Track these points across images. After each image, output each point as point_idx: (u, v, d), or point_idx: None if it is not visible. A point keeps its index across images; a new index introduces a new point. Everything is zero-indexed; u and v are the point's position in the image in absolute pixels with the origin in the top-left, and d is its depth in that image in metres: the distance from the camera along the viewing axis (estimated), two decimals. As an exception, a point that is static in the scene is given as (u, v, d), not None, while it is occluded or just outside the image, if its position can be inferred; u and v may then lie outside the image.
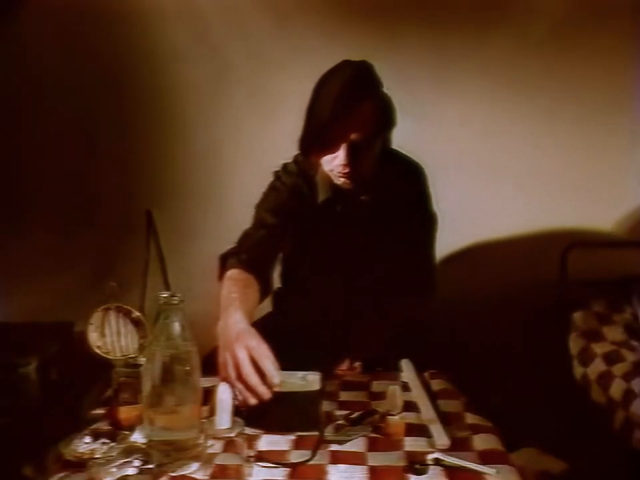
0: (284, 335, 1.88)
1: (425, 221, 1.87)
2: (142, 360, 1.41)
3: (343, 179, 1.74)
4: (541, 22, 2.43)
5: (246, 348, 1.42)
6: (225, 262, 1.75)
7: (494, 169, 2.53)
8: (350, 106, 1.61)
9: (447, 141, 2.47)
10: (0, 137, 2.55)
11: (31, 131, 2.57)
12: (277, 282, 2.05)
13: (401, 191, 1.82)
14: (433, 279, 1.92)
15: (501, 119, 2.52)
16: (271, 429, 1.39)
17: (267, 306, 2.20)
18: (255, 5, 2.47)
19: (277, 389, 1.40)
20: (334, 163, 1.69)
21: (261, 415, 1.40)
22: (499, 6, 2.44)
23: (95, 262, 2.53)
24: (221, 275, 1.73)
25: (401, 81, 2.46)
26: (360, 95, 1.63)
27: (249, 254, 1.74)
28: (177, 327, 1.29)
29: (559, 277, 2.50)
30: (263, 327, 2.00)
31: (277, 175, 1.91)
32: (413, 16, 2.41)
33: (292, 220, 1.84)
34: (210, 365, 1.67)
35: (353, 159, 1.66)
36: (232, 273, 1.69)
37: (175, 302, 1.29)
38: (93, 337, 1.52)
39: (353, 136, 1.64)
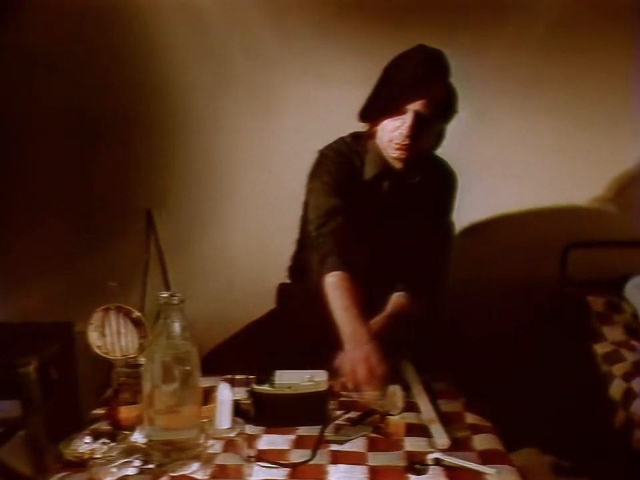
0: (289, 334, 1.90)
1: (448, 227, 1.94)
2: (142, 360, 1.41)
3: (399, 152, 1.76)
4: (541, 21, 2.43)
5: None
6: (324, 261, 1.75)
7: (493, 167, 2.54)
8: (424, 81, 1.70)
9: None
10: (0, 138, 2.55)
11: (30, 131, 2.57)
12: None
13: (438, 190, 1.88)
14: (439, 282, 1.93)
15: (500, 118, 2.52)
16: (280, 426, 1.41)
17: (269, 303, 2.22)
18: (255, 4, 2.47)
19: (287, 392, 1.42)
20: (396, 132, 1.74)
21: (271, 414, 1.42)
22: (499, 5, 2.44)
23: (95, 262, 2.53)
24: (322, 273, 1.74)
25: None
26: (434, 75, 1.71)
27: (343, 250, 1.76)
28: (176, 326, 1.29)
29: (558, 277, 2.50)
30: (267, 324, 2.02)
31: (325, 154, 1.89)
32: (414, 15, 2.41)
33: (348, 197, 1.83)
34: (210, 365, 1.68)
35: (416, 130, 1.71)
36: (337, 278, 1.71)
37: (175, 302, 1.29)
38: (93, 337, 1.52)
39: (421, 108, 1.70)
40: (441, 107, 1.74)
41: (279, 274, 2.18)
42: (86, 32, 2.47)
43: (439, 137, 1.83)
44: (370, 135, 1.83)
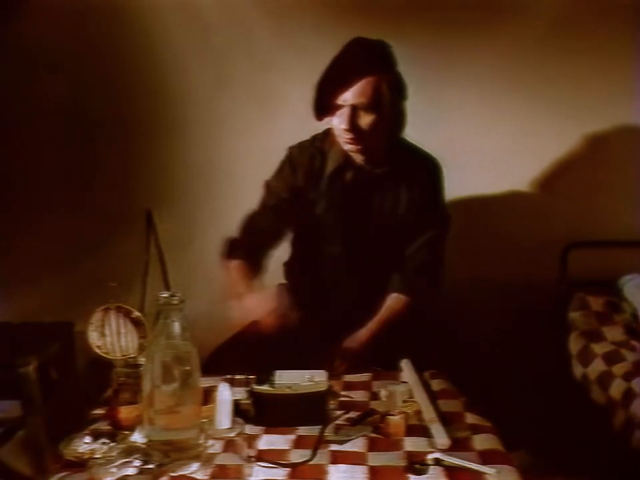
0: (289, 334, 1.90)
1: (440, 220, 1.94)
2: (142, 360, 1.41)
3: (350, 146, 1.80)
4: (540, 20, 2.43)
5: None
6: (231, 249, 1.95)
7: (491, 166, 2.54)
8: (356, 73, 1.72)
9: (444, 136, 2.47)
10: (0, 138, 2.55)
11: (30, 131, 2.57)
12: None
13: (417, 182, 1.89)
14: (438, 278, 1.95)
15: (499, 117, 2.52)
16: (280, 426, 1.41)
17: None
18: (255, 5, 2.47)
19: (287, 392, 1.42)
20: (339, 127, 1.77)
21: (271, 414, 1.42)
22: (499, 5, 2.44)
23: (95, 262, 2.52)
24: (227, 258, 1.95)
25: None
26: (362, 65, 1.74)
27: (251, 243, 1.95)
28: (177, 326, 1.29)
29: (558, 277, 2.50)
30: None
31: (289, 152, 1.97)
32: (414, 16, 2.41)
33: (300, 193, 1.92)
34: (210, 365, 1.68)
35: (354, 124, 1.73)
36: (236, 265, 1.92)
37: (175, 302, 1.29)
38: (93, 337, 1.52)
39: (355, 101, 1.72)
40: (381, 95, 1.74)
41: (279, 274, 2.19)
42: (86, 32, 2.47)
43: (396, 122, 1.84)
44: (331, 132, 1.86)
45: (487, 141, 2.52)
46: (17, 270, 2.58)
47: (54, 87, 2.52)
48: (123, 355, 1.51)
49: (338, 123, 1.77)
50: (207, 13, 2.48)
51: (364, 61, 1.75)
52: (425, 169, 1.92)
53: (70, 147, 2.58)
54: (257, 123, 2.53)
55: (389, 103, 1.77)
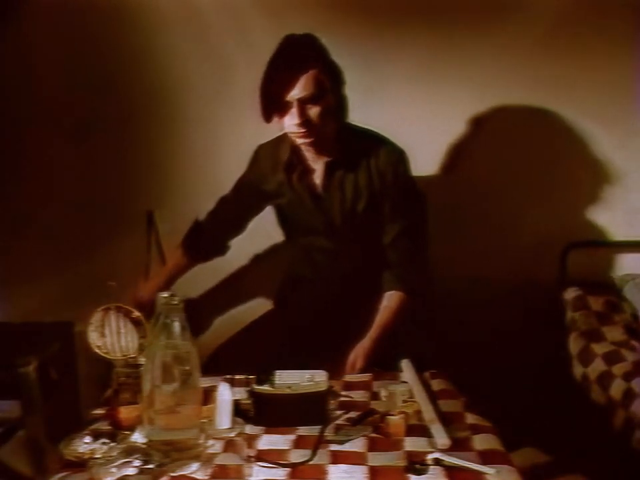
0: (289, 334, 1.91)
1: (413, 204, 1.96)
2: (142, 360, 1.41)
3: (303, 139, 1.84)
4: (540, 19, 2.43)
5: None
6: (188, 233, 2.19)
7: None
8: (294, 67, 1.78)
9: (443, 135, 2.48)
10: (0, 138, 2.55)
11: (30, 131, 2.56)
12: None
13: (376, 168, 1.91)
14: (425, 264, 1.97)
15: (498, 115, 2.52)
16: (280, 426, 1.41)
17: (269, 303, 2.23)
18: (254, 4, 2.47)
19: (287, 392, 1.42)
20: (291, 124, 1.81)
21: (271, 414, 1.42)
22: (498, 4, 2.44)
23: (95, 262, 2.52)
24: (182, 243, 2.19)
25: (401, 80, 2.48)
26: (301, 60, 1.79)
27: (197, 237, 2.17)
28: (176, 326, 1.29)
29: (558, 277, 2.50)
30: (267, 324, 2.03)
31: (256, 149, 2.10)
32: (414, 16, 2.41)
33: (263, 189, 2.04)
34: (210, 365, 1.68)
35: (304, 117, 1.78)
36: (177, 253, 2.21)
37: (175, 302, 1.29)
38: (93, 337, 1.52)
39: (301, 95, 1.77)
40: (322, 84, 1.79)
41: (279, 274, 2.19)
42: (86, 32, 2.47)
43: (339, 109, 1.88)
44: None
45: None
46: (17, 270, 2.58)
47: (54, 87, 2.52)
48: (123, 355, 1.51)
49: (289, 119, 1.81)
50: (207, 12, 2.47)
51: (302, 55, 1.80)
52: (385, 154, 1.93)
53: (70, 147, 2.57)
54: (257, 124, 2.52)
55: (330, 90, 1.82)
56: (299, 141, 1.85)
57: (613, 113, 2.49)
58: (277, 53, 1.82)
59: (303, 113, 1.78)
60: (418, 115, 2.41)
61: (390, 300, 1.90)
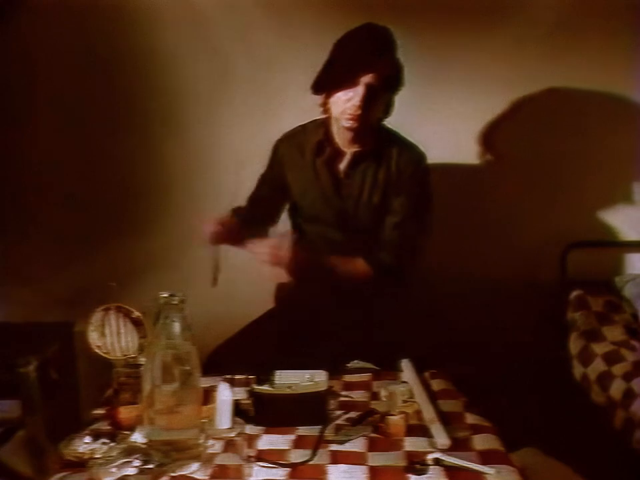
0: (289, 333, 1.91)
1: (423, 202, 2.01)
2: (142, 360, 1.41)
3: (351, 122, 1.87)
4: (540, 19, 2.43)
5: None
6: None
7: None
8: (374, 55, 1.83)
9: (443, 135, 2.48)
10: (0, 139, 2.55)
11: (30, 132, 2.56)
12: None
13: (397, 167, 1.97)
14: (403, 260, 2.00)
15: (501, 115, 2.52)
16: (280, 426, 1.41)
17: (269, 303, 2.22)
18: (255, 4, 2.47)
19: (287, 392, 1.42)
20: (348, 104, 1.85)
21: (271, 414, 1.42)
22: (498, 4, 2.44)
23: (95, 262, 2.52)
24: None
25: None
26: (382, 48, 1.85)
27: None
28: (176, 326, 1.29)
29: (558, 277, 2.50)
30: (267, 324, 2.03)
31: (275, 144, 2.12)
32: (415, 16, 2.41)
33: (280, 182, 2.07)
34: (210, 365, 1.68)
35: (367, 101, 1.83)
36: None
37: (175, 302, 1.29)
38: (93, 337, 1.52)
39: (371, 80, 1.82)
40: (389, 80, 1.87)
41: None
42: (86, 32, 2.47)
43: (387, 107, 1.95)
44: (324, 118, 1.97)
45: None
46: (17, 270, 2.58)
47: (53, 87, 2.52)
48: (123, 355, 1.51)
49: (346, 99, 1.84)
50: (207, 12, 2.47)
51: (386, 45, 1.86)
52: (408, 155, 1.98)
53: (70, 147, 2.57)
54: (257, 122, 2.53)
55: (392, 88, 1.90)
56: (347, 123, 1.88)
57: (614, 112, 2.49)
58: (359, 34, 1.86)
59: (366, 98, 1.82)
60: (418, 116, 2.41)
61: (358, 261, 1.96)
